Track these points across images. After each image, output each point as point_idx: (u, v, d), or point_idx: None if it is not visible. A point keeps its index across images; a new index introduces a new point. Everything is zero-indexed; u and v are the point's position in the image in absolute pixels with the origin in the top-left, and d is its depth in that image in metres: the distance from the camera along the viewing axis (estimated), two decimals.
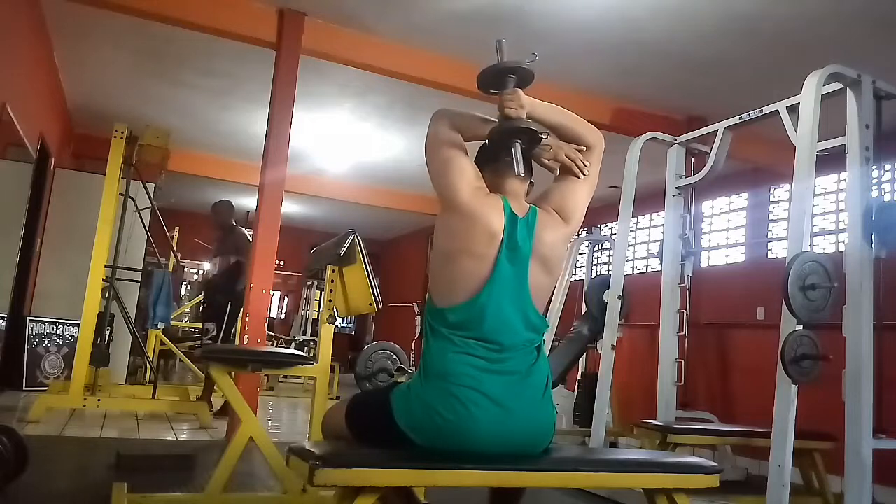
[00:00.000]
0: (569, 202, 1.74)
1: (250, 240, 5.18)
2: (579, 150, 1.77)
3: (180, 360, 7.84)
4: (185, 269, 10.20)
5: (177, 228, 8.01)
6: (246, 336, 4.03)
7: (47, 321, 5.85)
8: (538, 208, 1.71)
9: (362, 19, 4.18)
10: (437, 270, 1.68)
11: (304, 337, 8.96)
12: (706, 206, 6.15)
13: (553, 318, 5.59)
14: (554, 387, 5.26)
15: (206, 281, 5.58)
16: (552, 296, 5.71)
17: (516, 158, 1.66)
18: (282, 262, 8.83)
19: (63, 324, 5.89)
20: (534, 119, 1.71)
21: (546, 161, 1.76)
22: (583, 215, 1.77)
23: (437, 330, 1.63)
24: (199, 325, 5.67)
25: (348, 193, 8.43)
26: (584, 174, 1.75)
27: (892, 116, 3.15)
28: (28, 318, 5.76)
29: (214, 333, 5.05)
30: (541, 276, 1.67)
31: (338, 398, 6.63)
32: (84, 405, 4.36)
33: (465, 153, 1.70)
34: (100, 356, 4.74)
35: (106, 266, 4.65)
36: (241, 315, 4.55)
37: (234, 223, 5.50)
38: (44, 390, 5.07)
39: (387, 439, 1.60)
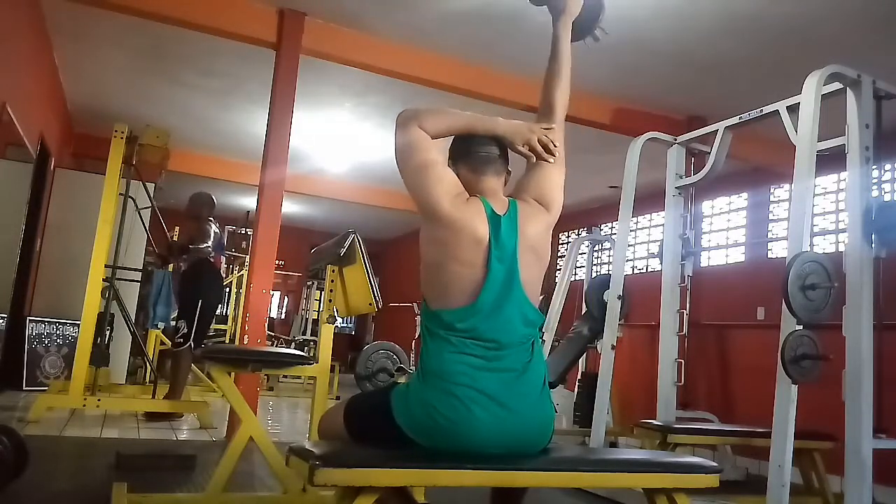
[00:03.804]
0: (545, 189, 1.74)
1: (207, 233, 4.96)
2: (547, 129, 1.77)
3: None
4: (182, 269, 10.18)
5: (177, 228, 8.00)
6: (246, 336, 4.03)
7: (47, 321, 5.85)
8: (518, 201, 1.71)
9: (362, 19, 4.18)
10: (428, 278, 1.67)
11: (305, 337, 8.95)
12: (706, 205, 6.15)
13: (553, 318, 5.59)
14: (554, 387, 5.31)
15: (179, 278, 5.28)
16: (552, 294, 5.74)
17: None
18: (282, 262, 8.83)
19: (63, 324, 5.88)
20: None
21: (519, 148, 1.74)
22: (562, 199, 1.77)
23: (434, 331, 1.63)
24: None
25: (348, 193, 8.43)
26: (554, 157, 1.74)
27: (891, 116, 3.15)
28: (28, 317, 5.75)
29: (185, 331, 4.74)
30: (531, 269, 1.67)
31: (338, 398, 6.63)
32: (84, 405, 4.35)
33: (439, 158, 1.66)
34: (100, 356, 4.73)
35: (106, 266, 4.65)
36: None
37: (208, 217, 5.12)
38: (44, 390, 5.06)
39: (386, 440, 1.60)
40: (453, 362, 1.57)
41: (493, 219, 1.63)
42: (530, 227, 1.67)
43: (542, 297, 1.84)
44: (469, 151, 1.72)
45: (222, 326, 8.26)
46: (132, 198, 5.02)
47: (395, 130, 1.69)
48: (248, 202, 8.71)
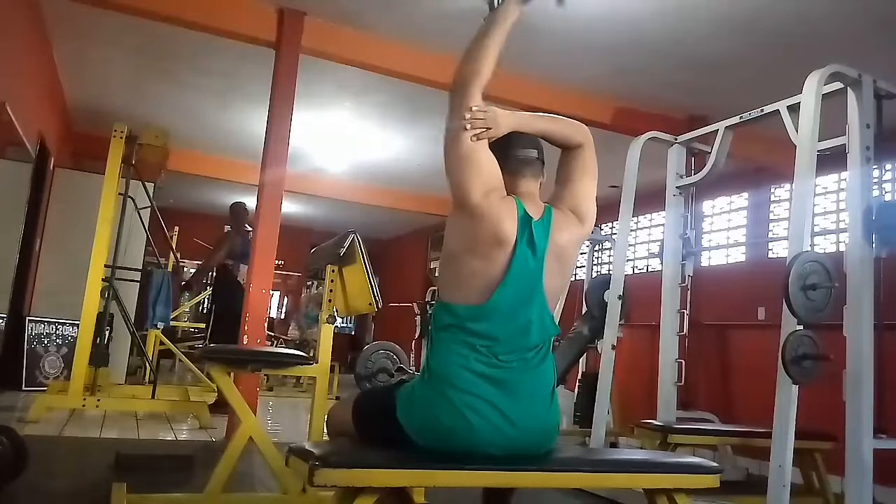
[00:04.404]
0: (580, 199, 1.72)
1: (230, 242, 5.37)
2: (573, 148, 1.76)
3: (180, 360, 7.84)
4: (185, 269, 10.20)
5: (176, 228, 8.00)
6: (245, 336, 4.02)
7: (47, 321, 5.84)
8: (554, 208, 1.68)
9: (362, 18, 4.17)
10: (447, 269, 1.65)
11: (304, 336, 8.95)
12: (707, 205, 6.13)
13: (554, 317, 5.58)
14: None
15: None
16: None
17: None
18: (282, 262, 8.83)
19: (62, 324, 5.88)
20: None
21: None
22: (595, 212, 1.74)
23: (443, 329, 1.60)
24: (199, 326, 5.86)
25: (348, 193, 8.42)
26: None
27: (892, 116, 3.14)
28: (28, 318, 5.75)
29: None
30: (555, 279, 1.65)
31: (337, 398, 6.62)
32: (83, 405, 4.35)
33: (486, 146, 1.61)
34: (99, 356, 4.74)
35: (105, 266, 4.64)
36: (225, 315, 4.69)
37: (244, 226, 5.60)
38: (43, 390, 5.05)
39: (390, 438, 1.60)
40: (458, 366, 1.55)
41: (525, 221, 1.60)
42: (562, 235, 1.65)
43: None
44: (507, 155, 1.68)
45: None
46: (132, 197, 5.02)
47: (451, 106, 1.61)
48: (248, 202, 8.70)
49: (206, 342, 5.14)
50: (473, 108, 1.59)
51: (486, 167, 1.60)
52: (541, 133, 1.73)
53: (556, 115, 1.79)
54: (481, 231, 1.57)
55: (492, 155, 1.62)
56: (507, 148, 1.68)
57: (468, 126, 1.58)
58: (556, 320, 1.74)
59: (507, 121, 1.65)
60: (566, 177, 1.76)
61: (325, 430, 1.87)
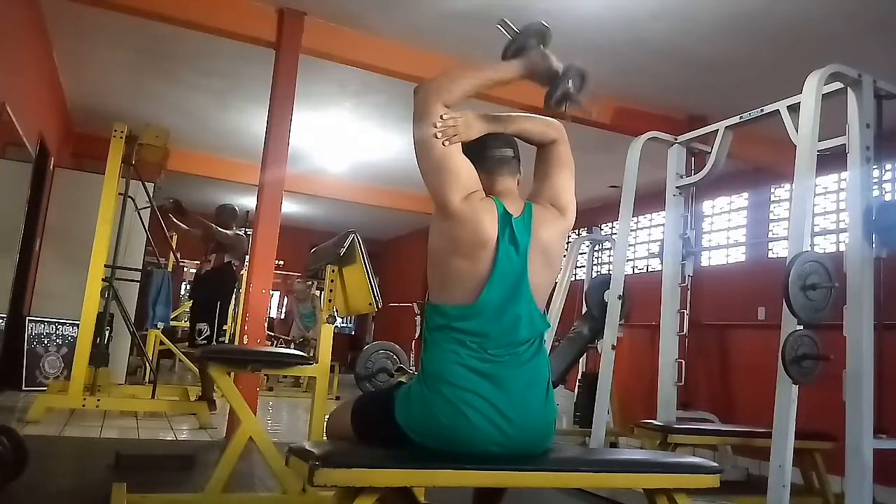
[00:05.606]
0: (561, 195, 1.75)
1: (245, 244, 5.35)
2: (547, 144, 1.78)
3: (180, 360, 7.84)
4: (185, 269, 10.20)
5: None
6: (245, 336, 4.02)
7: (47, 321, 5.84)
8: (534, 204, 1.70)
9: (362, 19, 4.17)
10: (434, 272, 1.67)
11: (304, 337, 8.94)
12: (707, 205, 6.14)
13: (553, 317, 5.59)
14: (554, 387, 5.30)
15: (196, 279, 5.61)
16: (552, 294, 5.74)
17: (573, 90, 1.71)
18: (282, 262, 8.83)
19: (63, 324, 5.88)
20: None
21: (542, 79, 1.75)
22: (575, 203, 1.77)
23: (436, 329, 1.62)
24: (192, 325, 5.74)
25: (348, 193, 8.43)
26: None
27: (892, 116, 3.15)
28: (28, 317, 5.75)
29: (208, 333, 5.07)
30: (541, 273, 1.66)
31: (337, 398, 6.63)
32: (83, 405, 4.34)
33: (457, 147, 1.63)
34: (99, 356, 4.74)
35: (105, 266, 4.64)
36: (232, 314, 4.59)
37: (234, 227, 5.54)
38: (43, 390, 5.05)
39: (390, 439, 1.60)
40: (451, 363, 1.56)
41: (505, 219, 1.62)
42: (544, 230, 1.67)
43: None
44: (484, 156, 1.71)
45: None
46: (132, 197, 5.02)
47: (415, 114, 1.63)
48: (248, 202, 8.70)
49: (214, 341, 5.12)
50: (445, 116, 1.61)
51: (462, 171, 1.62)
52: (515, 132, 1.76)
53: (529, 114, 1.81)
54: (463, 233, 1.60)
55: (465, 158, 1.64)
56: (482, 149, 1.71)
57: (438, 134, 1.60)
58: (557, 316, 1.75)
59: (480, 125, 1.69)
60: (543, 172, 1.78)
61: (325, 434, 1.87)
